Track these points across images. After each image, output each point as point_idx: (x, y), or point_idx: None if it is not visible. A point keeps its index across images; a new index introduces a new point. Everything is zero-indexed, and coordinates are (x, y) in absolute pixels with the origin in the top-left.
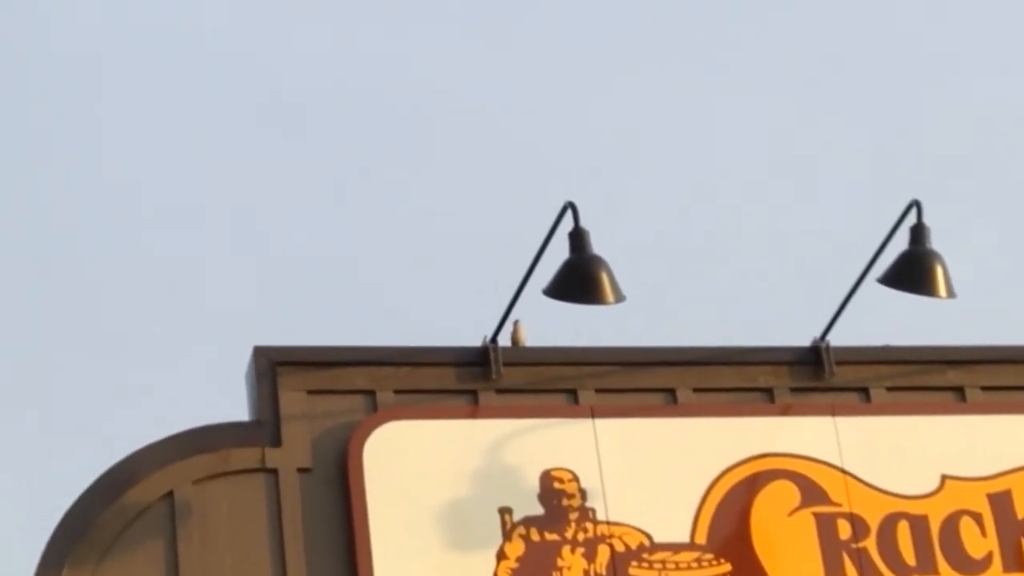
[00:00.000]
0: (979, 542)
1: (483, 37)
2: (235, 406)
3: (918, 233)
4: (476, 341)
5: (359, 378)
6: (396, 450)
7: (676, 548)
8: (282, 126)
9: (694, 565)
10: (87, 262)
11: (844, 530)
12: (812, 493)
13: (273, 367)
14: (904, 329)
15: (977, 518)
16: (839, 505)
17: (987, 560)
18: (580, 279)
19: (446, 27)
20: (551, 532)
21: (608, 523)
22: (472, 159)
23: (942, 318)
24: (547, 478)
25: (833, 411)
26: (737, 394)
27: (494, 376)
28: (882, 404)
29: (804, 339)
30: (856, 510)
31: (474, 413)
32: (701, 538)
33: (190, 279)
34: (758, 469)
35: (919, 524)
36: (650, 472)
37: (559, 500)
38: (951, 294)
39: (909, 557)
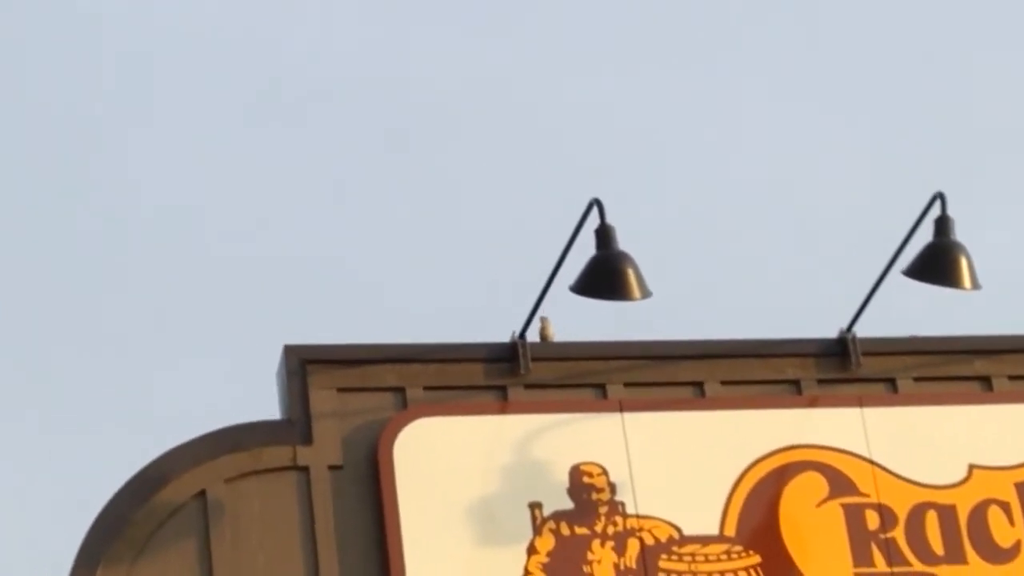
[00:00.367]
0: (1007, 531)
1: (485, 35)
2: (235, 406)
3: (942, 225)
4: (504, 337)
5: (389, 375)
6: (426, 446)
7: (705, 540)
8: (282, 121)
9: (723, 557)
10: (92, 262)
11: (872, 521)
12: (840, 484)
13: (303, 365)
14: (929, 319)
15: (1005, 507)
16: (867, 496)
17: (1015, 549)
18: (607, 275)
19: (446, 27)
20: (581, 526)
21: (637, 516)
22: (489, 157)
23: (966, 308)
24: (576, 472)
25: (860, 402)
26: (765, 386)
27: (523, 371)
28: (909, 394)
29: (831, 331)
30: (884, 500)
31: (503, 409)
32: (730, 530)
33: (205, 277)
34: (786, 461)
35: (947, 514)
36: (679, 465)
37: (588, 494)
38: (976, 286)
39: (937, 547)
